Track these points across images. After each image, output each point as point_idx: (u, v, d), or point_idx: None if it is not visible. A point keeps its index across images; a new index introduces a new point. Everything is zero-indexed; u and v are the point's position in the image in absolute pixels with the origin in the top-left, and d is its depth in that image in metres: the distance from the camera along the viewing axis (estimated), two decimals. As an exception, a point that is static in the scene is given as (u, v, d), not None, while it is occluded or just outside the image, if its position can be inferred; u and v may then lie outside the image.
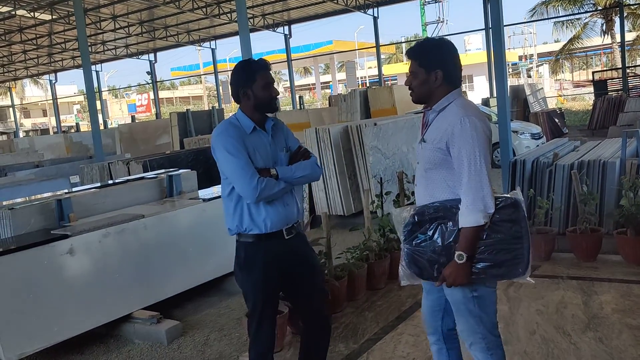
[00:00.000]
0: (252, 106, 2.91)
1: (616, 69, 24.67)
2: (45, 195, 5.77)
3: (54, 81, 40.07)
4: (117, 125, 29.59)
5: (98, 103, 20.13)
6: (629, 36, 27.49)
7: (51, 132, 40.78)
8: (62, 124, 42.72)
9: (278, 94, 3.00)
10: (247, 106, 2.92)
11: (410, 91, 2.58)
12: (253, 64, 2.92)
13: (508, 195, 2.43)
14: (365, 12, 26.02)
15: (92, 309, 4.54)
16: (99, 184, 7.06)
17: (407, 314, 4.29)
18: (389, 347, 3.83)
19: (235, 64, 3.01)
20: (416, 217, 2.47)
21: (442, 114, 2.49)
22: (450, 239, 2.41)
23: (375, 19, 26.23)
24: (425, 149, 2.51)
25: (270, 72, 2.96)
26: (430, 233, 2.44)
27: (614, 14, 27.49)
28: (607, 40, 30.19)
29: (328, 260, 4.43)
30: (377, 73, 30.00)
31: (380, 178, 6.22)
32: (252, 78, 2.88)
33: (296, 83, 34.21)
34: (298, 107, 22.31)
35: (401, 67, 51.90)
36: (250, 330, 3.00)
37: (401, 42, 53.49)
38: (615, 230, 5.22)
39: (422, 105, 2.61)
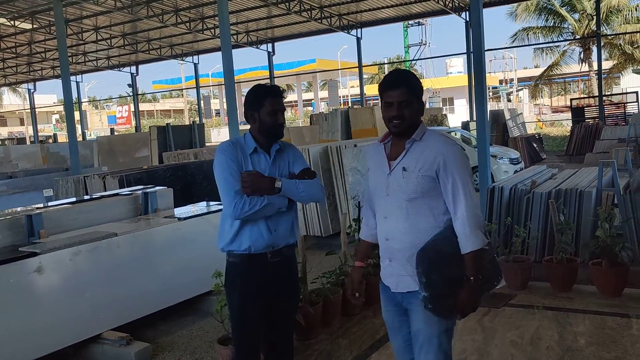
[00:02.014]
0: (256, 129, 2.95)
1: (593, 96, 25.14)
2: (15, 209, 5.63)
3: (32, 90, 39.60)
4: (95, 137, 29.27)
5: (77, 114, 19.91)
6: (606, 65, 28.08)
7: (28, 142, 40.17)
8: (40, 134, 42.16)
9: (284, 122, 3.01)
10: (254, 128, 2.96)
11: (397, 121, 2.47)
12: (264, 89, 2.96)
13: None
14: (348, 33, 26.25)
15: (60, 329, 4.41)
16: (73, 199, 6.92)
17: (380, 342, 4.23)
18: (362, 377, 3.77)
19: (252, 86, 3.05)
20: (427, 261, 2.38)
21: (421, 142, 2.48)
22: (456, 270, 2.39)
23: (358, 39, 26.46)
24: (408, 177, 2.44)
25: (282, 99, 2.99)
26: (440, 271, 2.39)
27: (591, 43, 28.13)
28: (585, 67, 30.85)
29: (303, 285, 4.37)
30: (359, 92, 30.21)
31: (359, 202, 6.18)
32: (260, 102, 2.92)
33: (278, 100, 34.15)
34: (279, 125, 22.29)
35: (383, 88, 52.26)
36: (234, 349, 3.01)
37: (384, 63, 54.01)
38: (591, 260, 5.24)
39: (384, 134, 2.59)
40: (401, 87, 2.46)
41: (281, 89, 3.04)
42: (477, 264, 2.39)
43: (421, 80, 2.64)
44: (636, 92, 23.16)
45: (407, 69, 34.25)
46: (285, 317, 3.06)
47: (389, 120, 2.49)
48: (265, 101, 2.91)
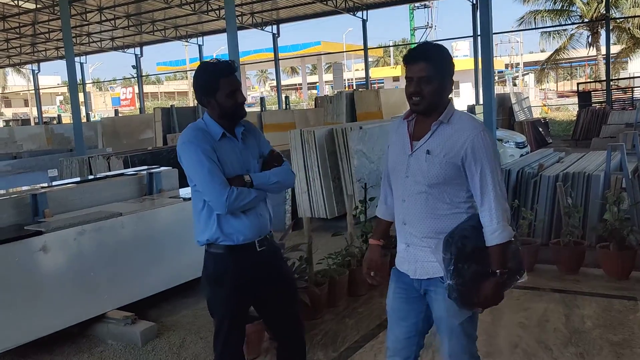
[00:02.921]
0: (217, 114, 2.72)
1: (600, 81, 24.95)
2: (20, 189, 5.62)
3: (36, 71, 39.53)
4: (100, 119, 29.25)
5: (81, 95, 19.87)
6: (614, 49, 27.80)
7: (32, 123, 40.18)
8: (44, 115, 42.15)
9: (244, 100, 2.79)
10: (213, 114, 2.74)
11: (416, 98, 2.32)
12: (214, 69, 2.69)
13: None
14: (354, 15, 26.02)
15: (65, 308, 4.41)
16: (77, 179, 6.91)
17: (388, 322, 4.22)
18: (369, 356, 3.76)
19: (198, 66, 2.78)
20: (457, 248, 2.27)
21: (448, 125, 2.34)
22: (481, 261, 2.30)
23: (364, 21, 26.24)
24: (431, 162, 2.31)
25: (235, 74, 2.73)
26: (467, 261, 2.28)
27: (599, 27, 27.82)
28: (592, 52, 30.55)
29: (309, 266, 4.35)
30: (364, 75, 30.03)
31: (365, 184, 6.15)
32: (215, 86, 2.67)
33: (283, 82, 34.11)
34: (284, 107, 22.24)
35: (388, 71, 52.10)
36: (216, 347, 2.81)
37: (389, 46, 53.67)
38: (598, 243, 5.21)
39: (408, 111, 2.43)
40: (421, 61, 2.30)
41: (232, 62, 2.76)
42: (502, 258, 2.29)
43: None
44: (643, 77, 23.00)
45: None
46: (288, 303, 2.94)
47: (408, 97, 2.35)
48: (220, 83, 2.66)
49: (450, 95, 2.44)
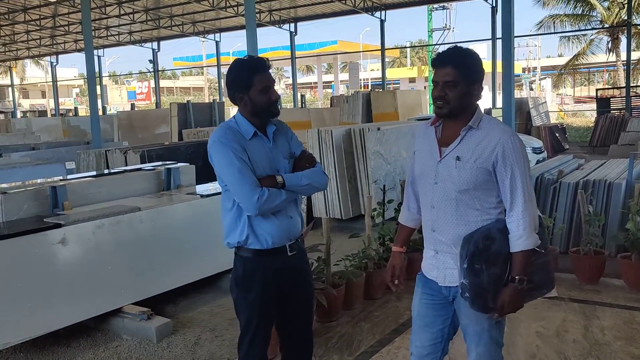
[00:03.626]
0: (249, 112, 2.67)
1: (619, 87, 24.67)
2: (40, 180, 5.65)
3: (54, 63, 39.85)
4: (116, 112, 29.41)
5: (98, 88, 19.97)
6: (634, 55, 27.50)
7: (49, 114, 40.51)
8: (60, 107, 42.49)
9: (278, 97, 2.74)
10: (245, 111, 2.69)
11: (440, 102, 2.31)
12: (249, 65, 2.65)
13: None
14: (372, 15, 25.97)
15: (82, 301, 4.42)
16: (95, 173, 6.93)
17: (405, 326, 4.19)
18: (385, 361, 3.73)
19: (231, 62, 2.74)
20: (474, 246, 2.26)
21: (478, 131, 2.31)
22: (502, 265, 2.27)
23: (382, 22, 26.16)
24: (461, 168, 2.28)
25: (270, 71, 2.70)
26: (484, 261, 2.25)
27: (620, 33, 27.53)
28: (612, 58, 30.23)
29: (327, 267, 4.33)
30: (379, 76, 29.94)
31: (384, 186, 6.12)
32: (248, 82, 2.62)
33: (298, 81, 34.09)
34: (300, 106, 22.23)
35: (404, 72, 51.95)
36: (241, 348, 2.77)
37: (406, 47, 53.49)
38: (619, 253, 5.13)
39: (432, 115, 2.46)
40: (448, 65, 2.28)
41: (266, 59, 2.71)
42: (525, 265, 2.26)
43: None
44: (664, 84, 22.71)
45: (430, 53, 33.84)
46: (307, 309, 2.92)
47: (433, 101, 2.35)
48: (254, 79, 2.61)
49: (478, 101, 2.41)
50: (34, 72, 55.26)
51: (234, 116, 2.76)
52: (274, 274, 2.70)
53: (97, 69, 30.95)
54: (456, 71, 2.28)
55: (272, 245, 2.67)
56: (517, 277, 2.26)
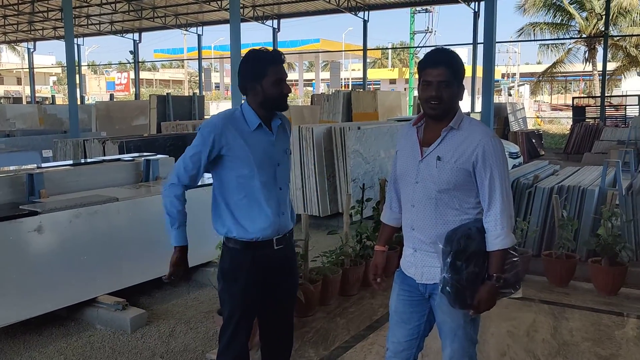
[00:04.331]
0: (259, 102, 2.67)
1: (595, 97, 25.13)
2: (16, 167, 5.58)
3: (32, 50, 39.17)
4: (94, 102, 29.04)
5: (77, 77, 19.69)
6: (609, 66, 28.02)
7: (24, 102, 39.82)
8: (36, 95, 41.78)
9: (290, 92, 2.75)
10: (254, 101, 2.68)
11: (435, 102, 2.33)
12: (266, 56, 2.65)
13: None
14: (355, 14, 26.04)
15: (56, 290, 4.39)
16: (72, 161, 6.86)
17: (379, 323, 4.23)
18: (359, 357, 3.77)
19: (247, 52, 2.73)
20: (458, 244, 2.30)
21: (458, 131, 2.35)
22: (479, 263, 2.32)
23: (365, 22, 26.26)
24: (442, 168, 2.32)
25: (283, 65, 2.70)
26: (465, 260, 2.29)
27: (597, 43, 28.05)
28: (588, 67, 30.78)
29: (304, 262, 4.36)
30: (360, 76, 30.05)
31: (363, 184, 6.17)
32: (263, 72, 2.62)
33: (279, 78, 33.98)
34: (280, 102, 22.16)
35: (385, 73, 52.19)
36: (223, 338, 2.78)
37: (388, 48, 53.73)
38: (589, 258, 5.25)
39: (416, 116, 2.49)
40: (442, 66, 2.31)
41: (282, 53, 2.73)
42: (502, 264, 2.32)
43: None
44: (638, 96, 23.15)
45: (411, 55, 34.05)
46: (290, 303, 2.95)
47: (425, 101, 2.35)
48: (269, 69, 2.62)
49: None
50: (10, 58, 54.28)
51: (240, 105, 2.76)
52: (260, 267, 2.72)
53: (76, 58, 30.55)
54: (449, 72, 2.32)
55: (259, 238, 2.68)
56: (494, 275, 2.31)
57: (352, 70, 52.63)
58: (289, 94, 2.76)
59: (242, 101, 2.82)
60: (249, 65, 2.66)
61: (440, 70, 2.31)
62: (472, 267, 2.30)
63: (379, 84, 49.64)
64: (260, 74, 2.63)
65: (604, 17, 23.89)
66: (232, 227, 2.68)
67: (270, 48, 2.74)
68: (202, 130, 2.66)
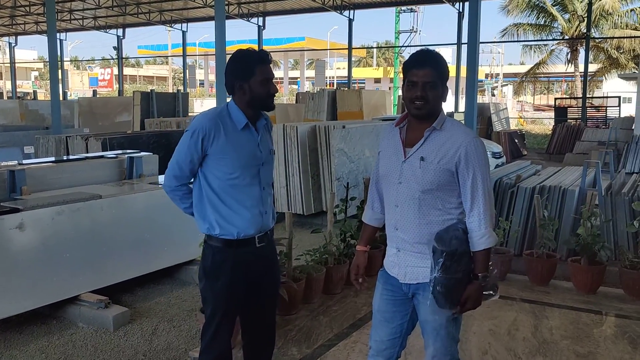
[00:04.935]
0: (246, 101, 2.69)
1: (576, 98, 25.42)
2: (-3, 164, 5.51)
3: (13, 44, 38.65)
4: (76, 98, 28.74)
5: (59, 73, 19.49)
6: (591, 67, 28.37)
7: (5, 97, 39.26)
8: (18, 90, 41.24)
9: (276, 92, 2.77)
10: (241, 100, 2.70)
11: (420, 102, 2.34)
12: (253, 56, 2.67)
13: None
14: (341, 13, 26.05)
15: (38, 288, 4.36)
16: (54, 158, 6.80)
17: (362, 321, 4.26)
18: (342, 355, 3.79)
19: (234, 51, 2.77)
20: (447, 246, 2.31)
21: (441, 132, 2.38)
22: (465, 264, 2.34)
23: (350, 20, 26.28)
24: (425, 168, 2.34)
25: (271, 65, 2.74)
26: (453, 260, 2.31)
27: (579, 45, 28.38)
28: (570, 68, 31.14)
29: (288, 261, 4.37)
30: (345, 74, 30.06)
31: (347, 183, 6.19)
32: (250, 71, 2.65)
33: (264, 75, 33.90)
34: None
35: (370, 72, 52.33)
36: (205, 336, 2.80)
37: (373, 47, 53.84)
38: (569, 257, 5.33)
39: (400, 115, 2.51)
40: (428, 67, 2.33)
41: (269, 53, 2.77)
42: (486, 263, 2.35)
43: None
44: (618, 97, 23.49)
45: (396, 55, 34.17)
46: (272, 301, 2.97)
47: (410, 101, 2.36)
48: (256, 69, 2.65)
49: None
50: (-11, 53, 53.46)
51: (226, 104, 2.77)
52: (242, 265, 2.73)
53: (58, 53, 30.22)
54: (435, 73, 2.34)
55: (241, 236, 2.70)
56: (479, 275, 2.35)
57: (338, 68, 52.68)
58: (276, 93, 2.77)
59: (228, 99, 2.83)
60: (237, 65, 2.68)
61: (426, 71, 2.33)
62: (458, 267, 2.32)
63: (364, 83, 49.74)
64: (248, 74, 2.65)
65: (585, 19, 24.18)
66: (215, 225, 2.70)
67: (256, 46, 2.77)
68: (191, 132, 2.65)
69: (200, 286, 2.85)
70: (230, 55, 2.73)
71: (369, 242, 2.73)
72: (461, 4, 23.84)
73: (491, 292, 2.46)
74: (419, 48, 2.55)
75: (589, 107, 22.97)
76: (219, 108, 2.77)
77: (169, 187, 2.77)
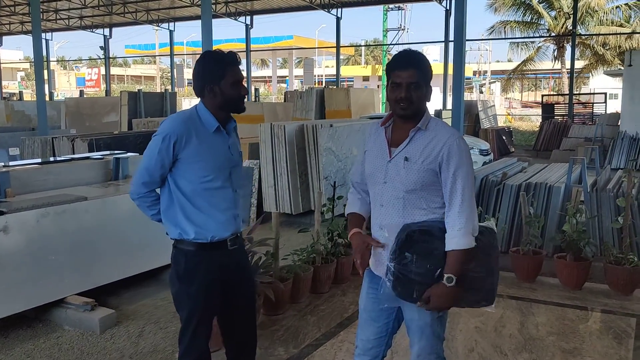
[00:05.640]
0: (217, 104, 2.65)
1: (563, 94, 25.58)
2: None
3: (-1, 45, 38.31)
4: (63, 98, 28.53)
5: (45, 73, 19.35)
6: (577, 64, 28.57)
7: (-10, 98, 38.90)
8: (3, 91, 40.86)
9: (247, 93, 2.75)
10: (212, 103, 2.65)
11: (404, 104, 2.35)
12: (223, 57, 2.63)
13: (484, 224, 2.44)
14: (329, 12, 26.05)
15: (23, 291, 4.32)
16: (40, 160, 6.76)
17: (349, 320, 4.27)
18: (329, 354, 3.80)
19: (202, 54, 2.72)
20: (406, 235, 2.32)
21: (426, 132, 2.38)
22: (435, 261, 2.32)
23: (338, 19, 26.28)
24: (409, 168, 2.35)
25: (240, 67, 2.71)
26: (416, 253, 2.31)
27: (565, 42, 28.57)
28: (557, 65, 31.34)
29: (275, 261, 4.37)
30: (333, 72, 30.06)
31: (334, 182, 6.20)
32: (220, 73, 2.60)
33: (252, 74, 33.86)
34: (253, 100, 22.11)
35: (358, 70, 52.35)
36: (183, 340, 2.77)
37: (361, 45, 53.91)
38: (555, 254, 5.37)
39: (386, 113, 2.50)
40: (412, 68, 2.34)
41: (237, 54, 2.72)
42: (456, 264, 2.30)
43: None
44: (605, 94, 23.66)
45: (385, 52, 34.22)
46: (249, 303, 2.95)
47: (395, 102, 2.37)
48: (227, 71, 2.60)
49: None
50: (-24, 53, 52.91)
51: (195, 106, 2.72)
52: (216, 267, 2.72)
53: (44, 53, 29.98)
54: (419, 74, 2.35)
55: (214, 239, 2.69)
56: (445, 275, 2.30)
57: (326, 67, 52.65)
58: (247, 95, 2.76)
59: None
60: (207, 67, 2.64)
61: (410, 72, 2.34)
62: (423, 262, 2.31)
63: (353, 81, 49.76)
64: (219, 76, 2.62)
65: (572, 16, 24.34)
66: (187, 229, 2.67)
67: (244, 45, 2.75)
68: (162, 136, 2.59)
69: (172, 291, 2.80)
70: (199, 57, 2.69)
71: (359, 226, 2.61)
72: (448, 1, 23.93)
73: (483, 302, 2.45)
74: (406, 46, 2.54)
75: (576, 103, 23.11)
76: (188, 111, 2.72)
77: (137, 194, 2.73)
